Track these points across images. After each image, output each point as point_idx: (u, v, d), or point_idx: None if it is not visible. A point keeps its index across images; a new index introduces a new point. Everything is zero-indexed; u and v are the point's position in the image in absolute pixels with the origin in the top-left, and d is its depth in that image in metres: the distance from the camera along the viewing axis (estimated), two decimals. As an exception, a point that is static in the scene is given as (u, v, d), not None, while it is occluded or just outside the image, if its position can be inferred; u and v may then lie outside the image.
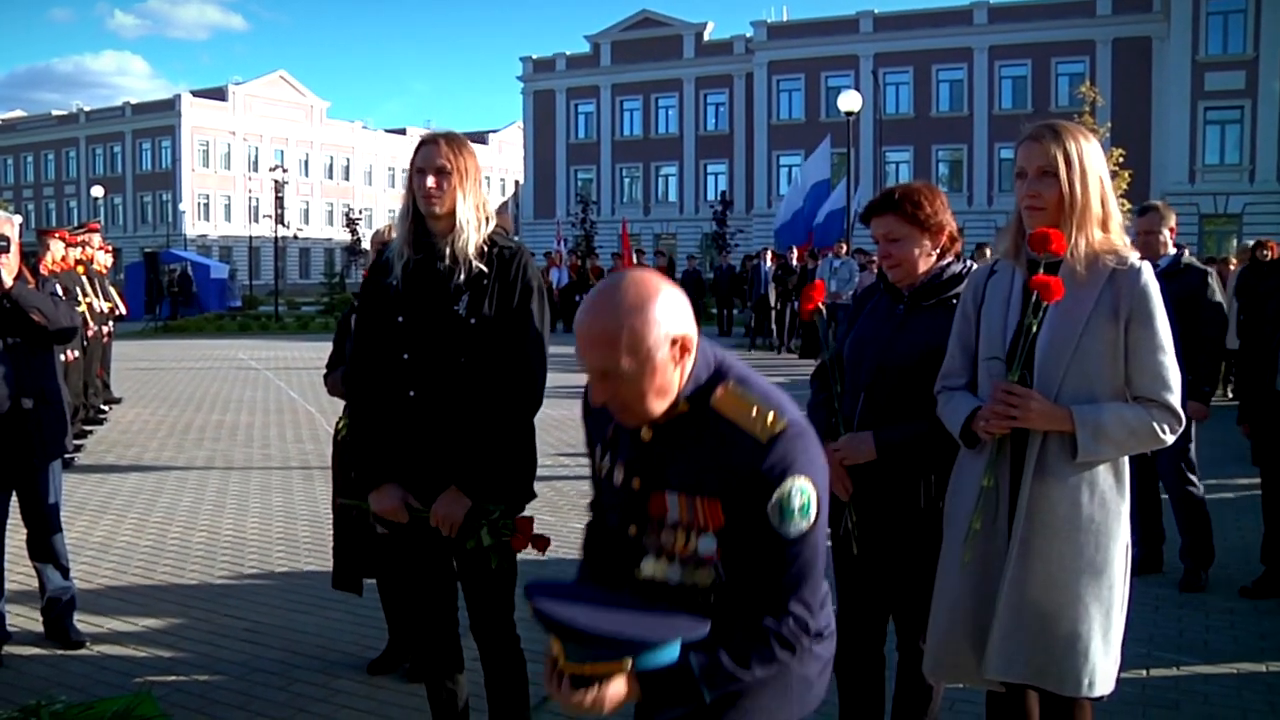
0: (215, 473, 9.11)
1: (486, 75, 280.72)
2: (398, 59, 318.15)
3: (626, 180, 54.67)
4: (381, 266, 3.38)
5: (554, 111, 55.70)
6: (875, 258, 20.53)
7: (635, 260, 26.17)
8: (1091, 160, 2.80)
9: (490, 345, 3.23)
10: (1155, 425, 2.74)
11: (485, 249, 3.28)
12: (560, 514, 7.31)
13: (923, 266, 3.24)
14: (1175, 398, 2.75)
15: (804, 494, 2.07)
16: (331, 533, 4.81)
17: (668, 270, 29.49)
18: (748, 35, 50.66)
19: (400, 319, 3.26)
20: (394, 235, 3.43)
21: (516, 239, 3.49)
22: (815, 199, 24.85)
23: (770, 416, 2.09)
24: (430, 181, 3.25)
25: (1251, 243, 14.72)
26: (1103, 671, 2.82)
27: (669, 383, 2.10)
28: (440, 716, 3.40)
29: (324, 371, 4.74)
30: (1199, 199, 39.26)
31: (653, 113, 53.69)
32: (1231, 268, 14.05)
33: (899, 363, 3.19)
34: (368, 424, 3.29)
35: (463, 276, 3.25)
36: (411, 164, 3.34)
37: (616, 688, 2.02)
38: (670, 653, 2.04)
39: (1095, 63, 42.90)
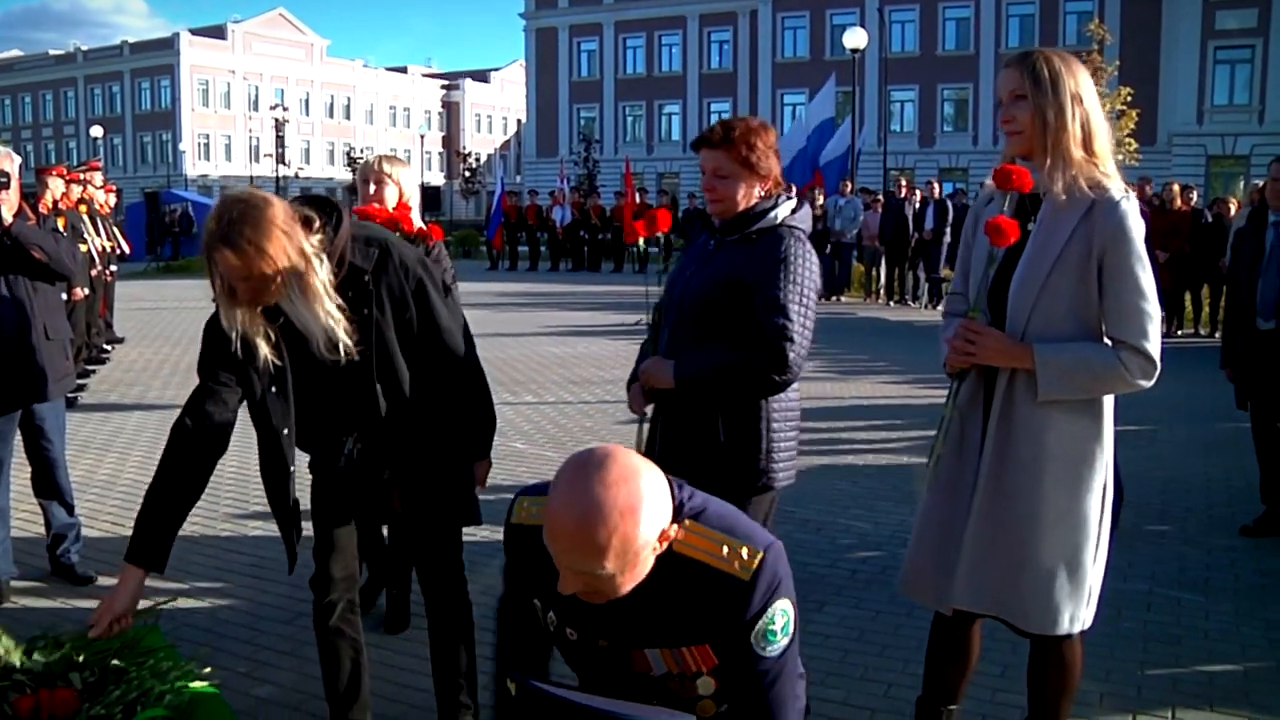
0: (219, 412, 9.11)
1: (488, 12, 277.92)
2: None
3: (630, 119, 54.26)
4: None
5: (556, 49, 55.15)
6: (879, 196, 20.49)
7: (638, 199, 26.04)
8: (1067, 83, 2.73)
9: (396, 351, 2.99)
10: (1123, 368, 2.68)
11: (342, 287, 2.84)
12: (565, 450, 7.31)
13: (742, 207, 3.19)
14: (1149, 341, 2.67)
15: (785, 615, 2.05)
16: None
17: (671, 209, 29.37)
18: (752, -28, 50.03)
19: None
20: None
21: (379, 240, 3.01)
22: (820, 138, 24.67)
23: (744, 551, 1.99)
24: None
25: (1261, 184, 14.63)
26: (1069, 611, 2.81)
27: (646, 567, 1.94)
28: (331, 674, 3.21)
29: None
30: (1207, 140, 38.96)
31: (656, 50, 53.15)
32: (1233, 210, 13.97)
33: (698, 295, 3.18)
34: None
35: (337, 324, 2.80)
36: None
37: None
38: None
39: (1104, 1, 42.34)
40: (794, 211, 3.22)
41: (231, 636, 4.34)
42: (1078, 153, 2.69)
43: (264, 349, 2.80)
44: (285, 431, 2.96)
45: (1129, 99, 29.78)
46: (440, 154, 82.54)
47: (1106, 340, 2.73)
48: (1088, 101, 2.73)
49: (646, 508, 1.87)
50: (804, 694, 2.24)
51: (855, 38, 26.78)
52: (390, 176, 4.37)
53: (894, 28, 46.33)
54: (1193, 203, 15.19)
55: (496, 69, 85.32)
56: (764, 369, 3.03)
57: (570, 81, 55.05)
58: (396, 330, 2.97)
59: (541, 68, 55.63)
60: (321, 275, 2.71)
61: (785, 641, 2.05)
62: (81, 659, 2.52)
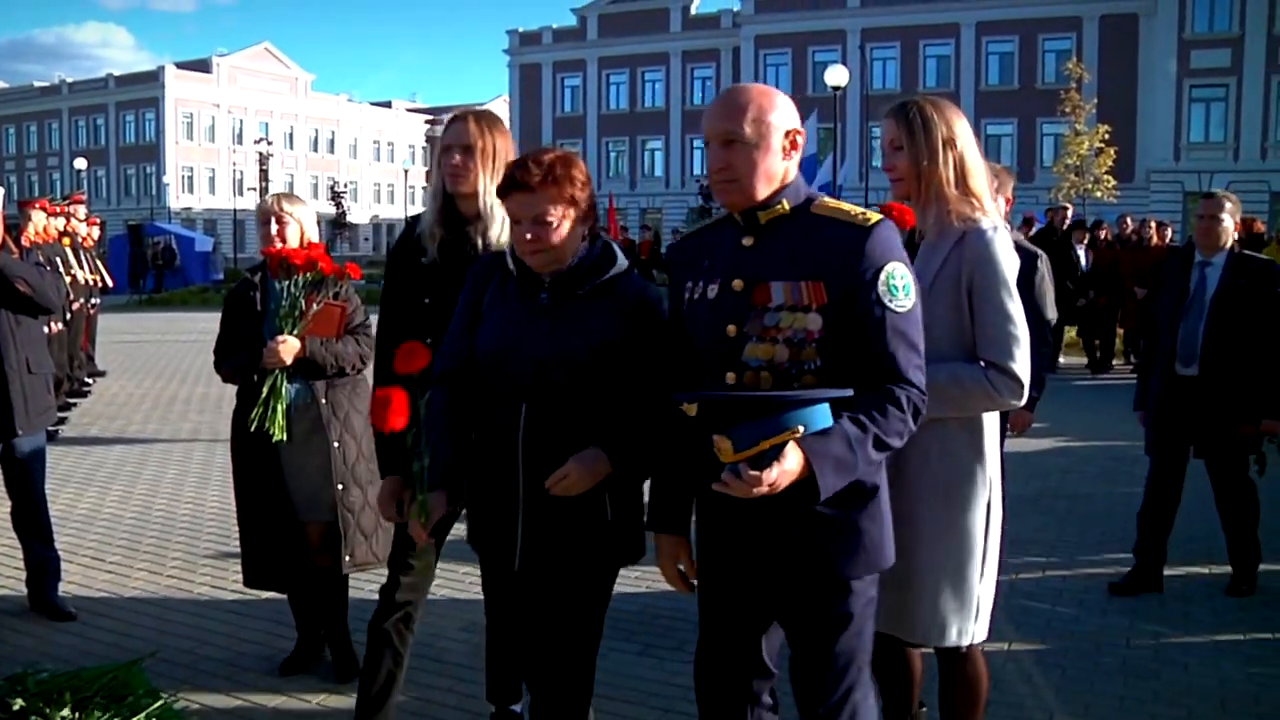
0: (200, 445, 9.09)
1: (472, 48, 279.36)
2: (384, 31, 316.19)
3: (613, 154, 54.50)
4: (412, 246, 3.34)
5: (540, 85, 55.44)
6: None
7: (620, 235, 26.12)
8: (938, 128, 2.93)
9: None
10: (990, 386, 2.83)
11: None
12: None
13: (571, 256, 2.74)
14: (1015, 362, 2.82)
15: (904, 276, 2.34)
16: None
17: (653, 244, 29.46)
18: (734, 9, 50.44)
19: (427, 300, 3.23)
20: (424, 215, 3.35)
21: None
22: (803, 174, 24.78)
23: (868, 213, 2.37)
24: (456, 158, 3.20)
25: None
26: (956, 625, 2.94)
27: (776, 170, 2.38)
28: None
29: (214, 359, 4.32)
30: (1183, 177, 39.36)
31: (639, 86, 53.48)
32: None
33: (578, 365, 2.70)
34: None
35: None
36: (440, 141, 3.31)
37: (792, 460, 2.15)
38: (825, 414, 2.18)
39: (1082, 39, 42.85)
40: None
41: (212, 673, 4.31)
42: (951, 191, 2.90)
43: (431, 249, 3.27)
44: (428, 341, 2.99)
45: (1107, 136, 30.15)
46: (424, 188, 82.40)
47: (981, 362, 2.86)
48: (961, 143, 2.95)
49: (779, 98, 2.39)
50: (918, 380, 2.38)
51: (837, 75, 27.03)
52: (291, 215, 4.27)
53: (875, 65, 46.75)
54: (1169, 239, 15.33)
55: (481, 104, 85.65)
56: None
57: (554, 117, 55.29)
58: None
59: (525, 103, 55.89)
60: None
61: (908, 303, 2.33)
62: (64, 697, 2.52)
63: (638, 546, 2.86)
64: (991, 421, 2.96)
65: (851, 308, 2.31)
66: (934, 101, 3.01)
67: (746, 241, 2.41)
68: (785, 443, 2.13)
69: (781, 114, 2.38)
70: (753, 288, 2.37)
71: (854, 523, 2.40)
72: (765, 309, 2.34)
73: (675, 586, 2.66)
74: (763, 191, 2.37)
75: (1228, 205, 5.26)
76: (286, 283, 4.12)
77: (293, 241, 4.23)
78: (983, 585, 2.97)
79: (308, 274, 4.11)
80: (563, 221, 2.67)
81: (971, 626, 2.97)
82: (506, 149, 3.26)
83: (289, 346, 4.02)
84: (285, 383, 4.07)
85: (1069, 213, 14.71)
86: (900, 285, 2.32)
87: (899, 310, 2.31)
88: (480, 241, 3.20)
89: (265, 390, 4.05)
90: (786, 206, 2.39)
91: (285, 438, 4.04)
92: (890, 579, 2.85)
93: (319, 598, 4.31)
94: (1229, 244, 5.25)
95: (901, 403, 2.31)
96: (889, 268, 2.31)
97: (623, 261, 2.80)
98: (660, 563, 2.66)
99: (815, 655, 2.43)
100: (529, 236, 2.66)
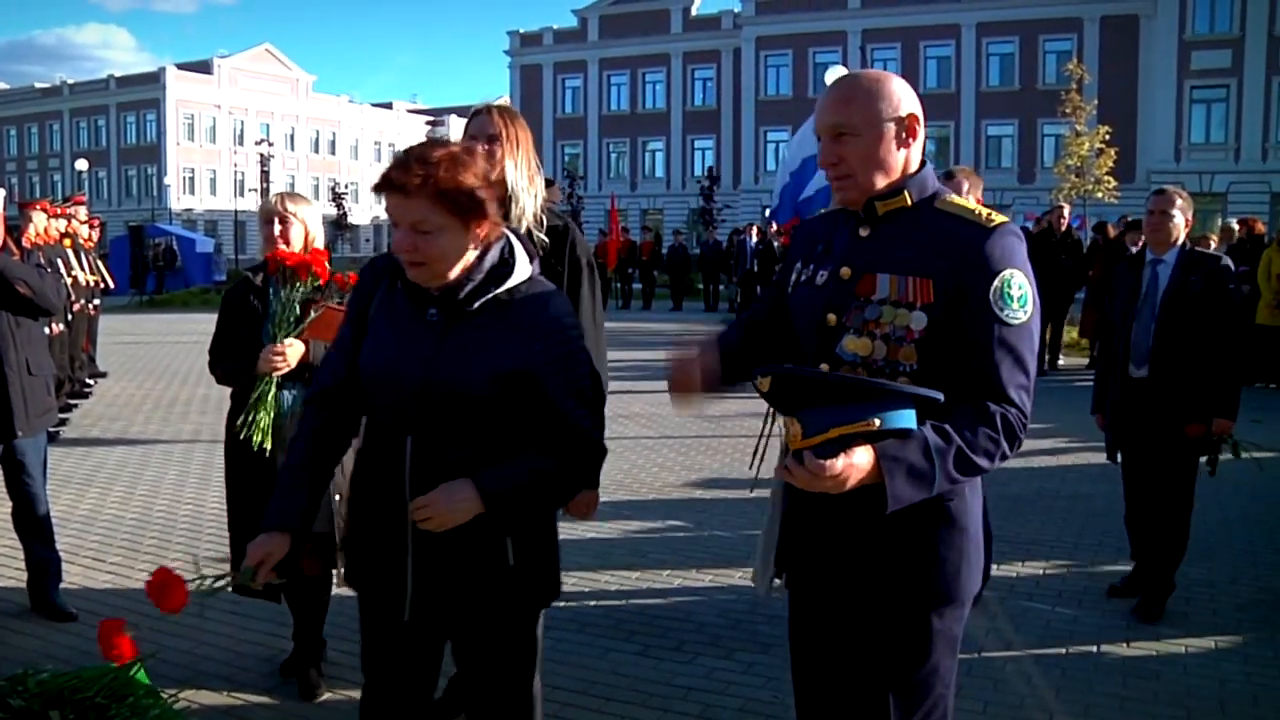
0: (201, 446, 9.09)
1: (473, 49, 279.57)
2: (384, 33, 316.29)
3: (613, 155, 54.50)
4: None
5: (541, 86, 55.45)
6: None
7: (621, 236, 26.12)
8: None
9: None
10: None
11: (541, 219, 3.36)
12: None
13: (458, 266, 2.38)
14: None
15: (1022, 287, 2.17)
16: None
17: (654, 245, 29.46)
18: (735, 10, 50.44)
19: None
20: None
21: (563, 215, 3.53)
22: (802, 174, 24.83)
23: (994, 214, 2.24)
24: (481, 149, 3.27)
25: (1234, 222, 14.77)
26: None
27: (892, 159, 2.25)
28: None
29: (209, 360, 4.28)
30: (1184, 178, 39.29)
31: (640, 88, 53.49)
32: (1213, 246, 14.10)
33: (469, 394, 2.37)
34: None
35: None
36: (465, 133, 3.38)
37: (862, 456, 2.01)
38: (909, 415, 2.04)
39: (1083, 40, 42.84)
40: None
41: (212, 674, 4.32)
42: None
43: None
44: None
45: (1107, 137, 30.14)
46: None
47: None
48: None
49: (892, 83, 2.26)
50: (1028, 399, 2.20)
51: (837, 76, 27.03)
52: (295, 215, 4.13)
53: (876, 66, 46.54)
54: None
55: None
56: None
57: (555, 118, 55.30)
58: None
59: (526, 104, 55.86)
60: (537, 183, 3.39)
61: (1024, 315, 2.17)
62: (63, 697, 2.51)
63: (552, 587, 2.57)
64: None
65: (959, 311, 2.16)
66: None
67: (863, 232, 2.30)
68: (857, 434, 1.99)
69: (893, 100, 2.24)
70: (859, 278, 2.26)
71: (931, 548, 2.22)
72: (868, 301, 2.23)
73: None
74: (880, 182, 2.25)
75: (1178, 201, 5.09)
76: (284, 289, 4.04)
77: (296, 242, 4.12)
78: None
79: (305, 282, 4.02)
80: (446, 231, 2.30)
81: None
82: (528, 140, 3.41)
83: (295, 350, 3.97)
84: (275, 389, 4.02)
85: (1065, 212, 14.68)
86: (1016, 295, 2.15)
87: (1011, 322, 2.15)
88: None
89: (254, 396, 4.00)
90: (909, 199, 2.26)
91: (270, 445, 3.98)
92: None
93: (306, 604, 4.25)
94: (1180, 241, 5.10)
95: (995, 421, 2.12)
96: (1006, 274, 2.15)
97: (524, 268, 2.43)
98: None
99: (887, 686, 2.29)
100: (407, 247, 2.30)
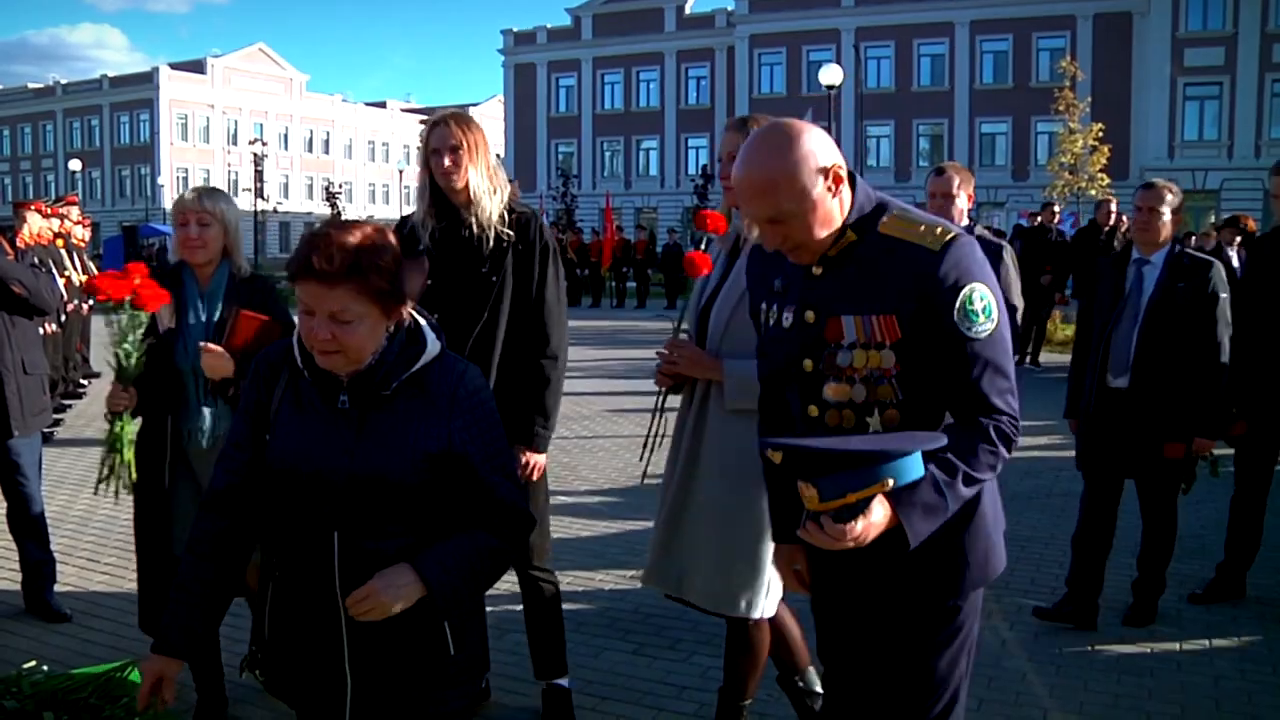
0: (195, 447, 9.07)
1: (467, 48, 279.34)
2: (378, 32, 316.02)
3: (607, 154, 54.46)
4: (406, 238, 3.57)
5: (535, 85, 55.40)
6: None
7: (615, 235, 26.13)
8: None
9: (510, 303, 3.56)
10: None
11: (505, 214, 3.61)
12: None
13: (373, 351, 2.27)
14: None
15: (984, 298, 2.18)
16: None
17: (648, 244, 29.48)
18: (729, 8, 50.42)
19: (429, 282, 3.44)
20: (414, 211, 3.71)
21: (528, 205, 3.79)
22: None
23: (939, 229, 2.21)
24: (446, 161, 3.53)
25: (1212, 220, 14.87)
26: (745, 597, 3.20)
27: (830, 213, 2.22)
28: None
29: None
30: (1178, 175, 39.30)
31: (634, 86, 53.44)
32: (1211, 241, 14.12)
33: (395, 480, 2.26)
34: None
35: (490, 240, 3.57)
36: (425, 144, 3.59)
37: (879, 513, 2.07)
38: (917, 464, 2.09)
39: (1076, 38, 42.85)
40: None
41: (207, 673, 4.31)
42: None
43: (424, 237, 3.60)
44: (435, 317, 2.85)
45: (1101, 134, 30.17)
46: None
47: None
48: None
49: (800, 146, 2.15)
50: (1014, 406, 2.25)
51: (831, 74, 27.07)
52: (213, 215, 3.66)
53: (870, 64, 46.76)
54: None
55: (475, 104, 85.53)
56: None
57: (548, 117, 55.25)
58: (517, 272, 3.60)
59: (520, 103, 55.86)
60: (498, 181, 3.63)
61: (989, 325, 2.18)
62: (57, 698, 2.51)
63: (480, 669, 2.51)
64: None
65: (930, 336, 2.18)
66: (767, 118, 3.19)
67: (816, 270, 2.29)
68: (873, 496, 2.05)
69: (810, 163, 2.15)
70: (824, 321, 2.27)
71: (957, 544, 2.29)
72: (839, 346, 2.25)
73: (791, 587, 2.64)
74: (826, 235, 2.23)
75: (1168, 196, 4.74)
76: (114, 324, 3.57)
77: (215, 245, 3.66)
78: (767, 559, 3.14)
79: (132, 312, 3.51)
80: (365, 319, 2.20)
81: (762, 601, 3.22)
82: (485, 141, 3.65)
83: (217, 362, 3.54)
84: (126, 426, 3.69)
85: (1055, 209, 14.82)
86: (980, 309, 2.17)
87: (979, 336, 2.17)
88: (474, 222, 3.58)
89: (108, 439, 3.69)
90: (852, 235, 2.24)
91: (137, 478, 3.69)
92: (686, 549, 3.20)
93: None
94: (1168, 240, 4.76)
95: (990, 436, 2.19)
96: (965, 292, 2.15)
97: (434, 346, 2.32)
98: (777, 566, 2.64)
99: (910, 677, 2.36)
100: (324, 336, 2.18)
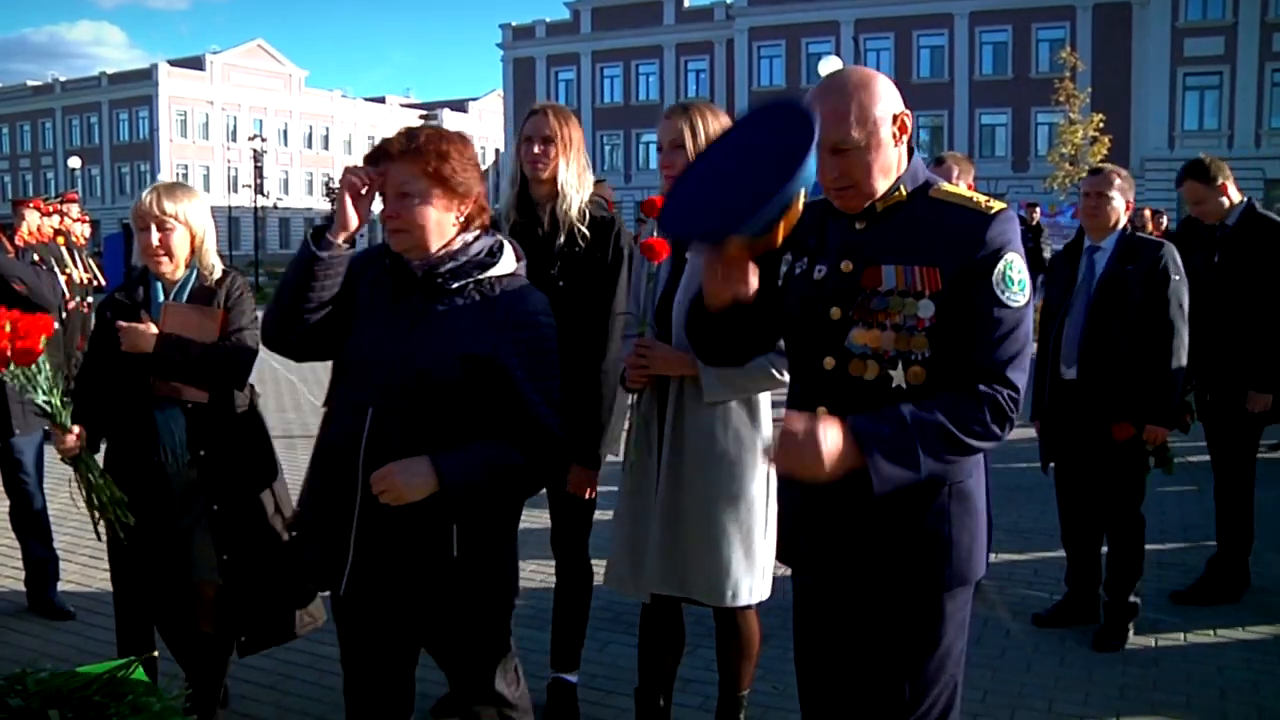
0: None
1: (466, 43, 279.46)
2: (377, 27, 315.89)
3: (607, 147, 54.43)
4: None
5: (534, 79, 55.35)
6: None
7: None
8: (715, 130, 3.11)
9: (575, 310, 3.40)
10: (771, 368, 3.00)
11: (585, 213, 3.56)
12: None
13: (439, 240, 2.48)
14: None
15: (1021, 271, 2.21)
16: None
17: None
18: (728, 2, 50.36)
19: None
20: (501, 200, 3.67)
21: (612, 212, 3.72)
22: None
23: (989, 199, 2.27)
24: (536, 149, 3.51)
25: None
26: (746, 585, 3.19)
27: (889, 162, 2.25)
28: None
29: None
30: (1178, 164, 39.07)
31: (633, 80, 53.40)
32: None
33: (435, 373, 2.43)
34: None
35: (562, 240, 3.51)
36: (519, 132, 3.59)
37: (833, 436, 2.04)
38: (809, 170, 2.05)
39: (1075, 28, 42.78)
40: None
41: (211, 670, 4.31)
42: None
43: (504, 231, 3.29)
44: None
45: (1101, 125, 30.11)
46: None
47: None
48: None
49: (878, 84, 2.23)
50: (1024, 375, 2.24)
51: (830, 66, 26.99)
52: (175, 218, 3.33)
53: (869, 56, 46.66)
54: (1164, 227, 15.37)
55: (474, 99, 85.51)
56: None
57: (548, 111, 55.23)
58: (587, 278, 3.52)
59: (519, 97, 55.79)
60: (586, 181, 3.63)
61: (1021, 297, 2.20)
62: (62, 696, 2.51)
63: (505, 587, 2.58)
64: (765, 397, 3.19)
65: (965, 297, 2.18)
66: (711, 107, 3.27)
67: (859, 225, 2.29)
68: (779, 212, 2.03)
69: (885, 103, 2.22)
70: (862, 270, 2.25)
71: (944, 531, 2.25)
72: (875, 293, 2.23)
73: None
74: (881, 187, 2.25)
75: (1116, 181, 4.60)
76: (4, 378, 3.12)
77: (180, 250, 3.35)
78: (765, 546, 3.18)
79: (10, 372, 3.05)
80: (428, 200, 2.41)
81: (759, 585, 3.23)
82: (581, 139, 3.62)
83: (136, 339, 3.26)
84: (93, 461, 3.38)
85: (1035, 211, 15.13)
86: (1016, 278, 2.19)
87: (1011, 304, 2.18)
88: (547, 221, 3.51)
89: (78, 480, 3.38)
90: (904, 193, 2.27)
91: (129, 518, 3.36)
92: (686, 547, 3.16)
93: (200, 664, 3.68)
94: (1119, 225, 4.59)
95: (982, 400, 2.14)
96: (1007, 258, 2.19)
97: (509, 262, 2.50)
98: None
99: (901, 671, 2.32)
100: (390, 213, 2.43)
